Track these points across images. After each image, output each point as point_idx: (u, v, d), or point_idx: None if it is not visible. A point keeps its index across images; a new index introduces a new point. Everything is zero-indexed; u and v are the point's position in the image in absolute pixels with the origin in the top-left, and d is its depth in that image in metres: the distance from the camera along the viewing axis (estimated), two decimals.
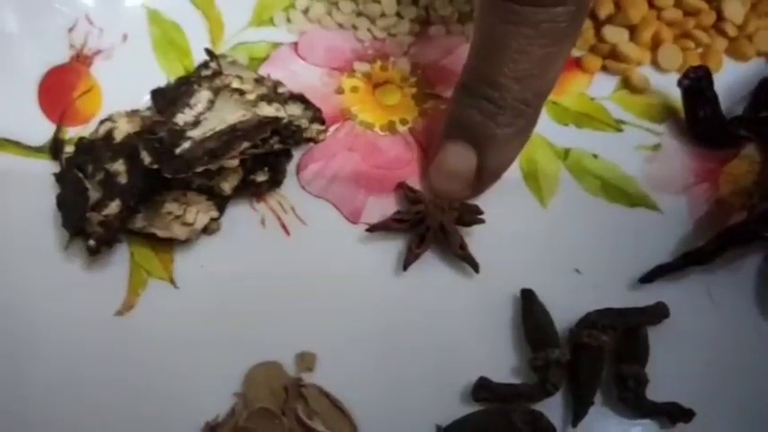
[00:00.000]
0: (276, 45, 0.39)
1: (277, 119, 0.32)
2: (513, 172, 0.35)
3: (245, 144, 0.31)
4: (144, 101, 0.36)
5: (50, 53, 0.37)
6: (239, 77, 0.33)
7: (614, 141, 0.37)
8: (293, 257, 0.33)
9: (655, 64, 0.39)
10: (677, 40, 0.40)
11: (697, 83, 0.36)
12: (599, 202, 0.35)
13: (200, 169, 0.30)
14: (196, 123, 0.32)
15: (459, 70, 0.36)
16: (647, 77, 0.38)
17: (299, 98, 0.35)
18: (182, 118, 0.32)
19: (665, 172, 0.36)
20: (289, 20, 0.40)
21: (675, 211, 0.35)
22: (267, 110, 0.32)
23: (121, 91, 0.37)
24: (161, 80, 0.37)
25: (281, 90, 0.35)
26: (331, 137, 0.37)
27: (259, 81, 0.35)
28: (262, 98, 0.32)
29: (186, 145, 0.31)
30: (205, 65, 0.34)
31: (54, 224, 0.33)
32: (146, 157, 0.30)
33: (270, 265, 0.33)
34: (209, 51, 0.35)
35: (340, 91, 0.38)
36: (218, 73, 0.34)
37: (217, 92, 0.33)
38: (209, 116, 0.32)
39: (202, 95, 0.33)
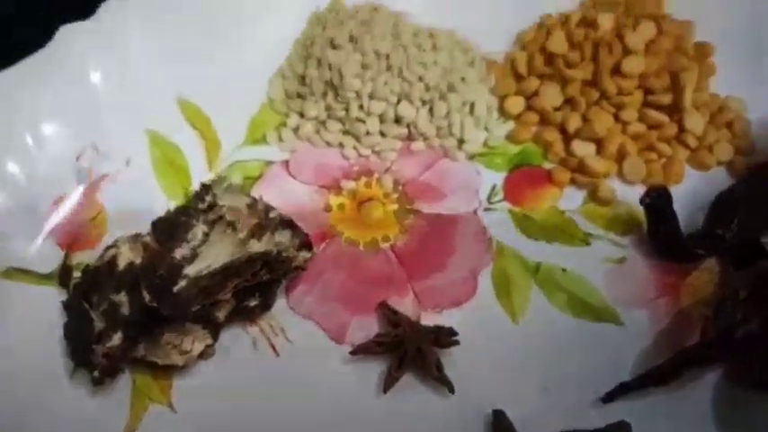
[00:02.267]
0: (269, 163, 0.41)
1: (266, 253, 0.34)
2: (487, 287, 0.37)
3: (237, 280, 0.33)
4: (146, 221, 0.37)
5: (60, 181, 0.38)
6: (233, 209, 0.35)
7: (582, 254, 0.38)
8: (283, 378, 0.34)
9: (620, 176, 0.40)
10: (641, 152, 0.41)
11: (657, 201, 0.37)
12: (566, 318, 0.36)
13: (195, 308, 0.32)
14: (193, 257, 0.33)
15: (438, 184, 0.38)
16: (613, 189, 0.39)
17: (288, 224, 0.36)
18: (179, 252, 0.34)
19: (630, 285, 0.37)
20: (280, 138, 0.42)
21: (638, 325, 0.35)
22: (257, 246, 0.33)
23: (126, 213, 0.38)
24: (162, 201, 0.39)
25: (271, 215, 0.37)
26: (319, 255, 0.38)
27: (251, 207, 0.36)
28: (252, 233, 0.34)
29: (183, 283, 0.32)
30: (201, 197, 0.35)
31: (61, 352, 0.34)
32: (146, 296, 0.32)
33: (261, 385, 0.34)
34: (204, 186, 0.36)
35: (328, 208, 0.40)
36: (212, 205, 0.35)
37: (212, 225, 0.35)
38: (205, 250, 0.34)
39: (198, 230, 0.34)
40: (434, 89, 0.41)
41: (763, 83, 0.42)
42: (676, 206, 0.38)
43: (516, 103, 0.42)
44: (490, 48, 0.44)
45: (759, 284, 0.33)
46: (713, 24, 0.44)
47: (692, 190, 0.40)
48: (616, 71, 0.41)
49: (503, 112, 0.42)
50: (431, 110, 0.41)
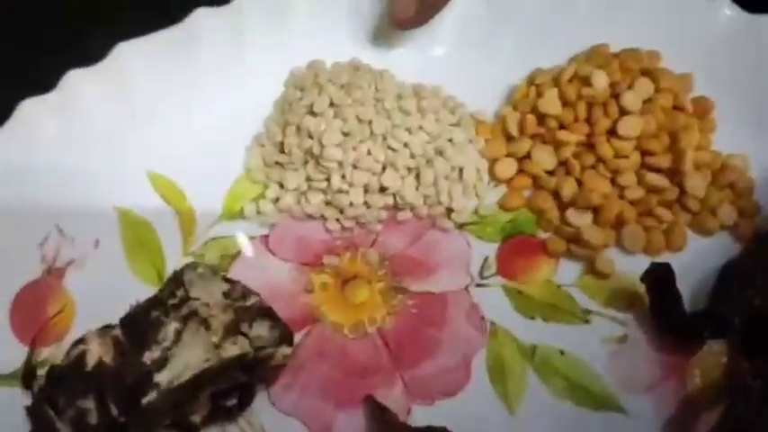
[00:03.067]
0: (247, 239, 0.39)
1: (242, 356, 0.31)
2: (481, 374, 0.35)
3: (211, 388, 0.30)
4: (117, 309, 0.34)
5: (21, 271, 0.36)
6: (206, 305, 0.33)
7: (581, 334, 0.35)
8: None
9: (619, 245, 0.38)
10: (641, 218, 0.38)
11: (659, 277, 0.35)
12: (566, 406, 0.33)
13: (166, 422, 0.29)
14: (163, 361, 0.31)
15: (426, 258, 0.36)
16: (611, 261, 0.37)
17: (267, 313, 0.34)
18: (149, 356, 0.31)
19: (632, 367, 0.34)
20: (259, 211, 0.39)
21: (643, 413, 0.33)
22: (232, 350, 0.31)
23: (94, 303, 0.35)
24: (133, 287, 0.36)
25: (249, 302, 0.34)
26: (300, 343, 0.35)
27: (227, 295, 0.34)
28: (227, 332, 0.31)
29: (153, 395, 0.30)
30: (172, 290, 0.33)
31: None
32: (113, 409, 0.29)
33: None
34: (176, 275, 0.34)
35: (310, 289, 0.37)
36: (185, 300, 0.33)
37: (184, 321, 0.32)
38: (176, 352, 0.31)
39: (170, 328, 0.32)
40: (420, 155, 0.39)
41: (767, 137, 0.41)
42: (679, 276, 0.35)
43: (507, 167, 0.40)
44: (478, 105, 0.41)
45: None
46: (712, 76, 0.41)
47: (696, 258, 0.37)
48: (612, 132, 0.39)
49: (493, 175, 0.40)
50: (417, 177, 0.38)
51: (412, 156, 0.38)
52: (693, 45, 0.41)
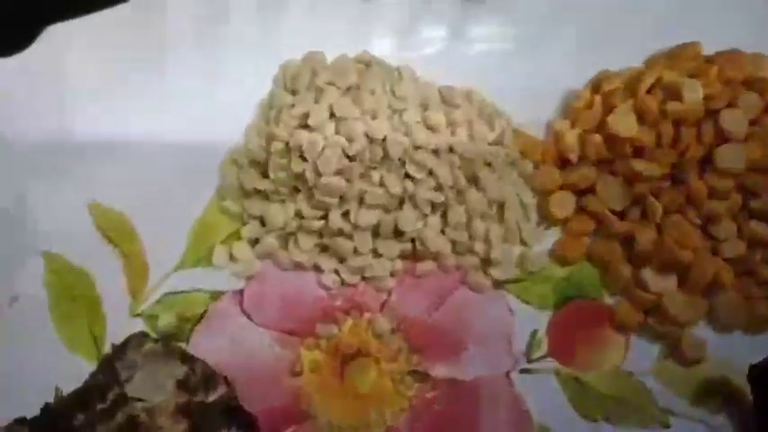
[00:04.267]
0: (215, 295, 0.28)
1: None
2: None
3: None
4: (37, 396, 0.25)
5: None
6: (150, 410, 0.24)
7: None
8: None
9: (712, 319, 0.28)
10: (740, 282, 0.28)
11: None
12: None
13: None
14: None
15: (454, 329, 0.27)
16: (702, 342, 0.27)
17: (236, 415, 0.25)
18: None
19: None
20: (232, 256, 0.29)
21: None
22: None
23: (6, 382, 0.26)
24: (61, 361, 0.26)
25: (212, 397, 0.25)
26: None
27: (183, 385, 0.25)
28: None
29: None
30: (105, 387, 0.24)
31: None
32: None
33: None
34: (110, 361, 0.25)
35: (297, 371, 0.27)
36: (121, 402, 0.24)
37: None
38: None
39: None
40: (450, 187, 0.29)
41: None
42: None
43: (563, 203, 0.30)
44: (525, 116, 0.31)
45: None
46: None
47: None
48: (706, 163, 0.29)
49: (544, 214, 0.30)
50: (444, 215, 0.29)
51: (438, 187, 0.29)
52: None
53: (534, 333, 0.28)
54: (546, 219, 0.30)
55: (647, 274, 0.28)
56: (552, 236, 0.30)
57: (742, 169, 0.28)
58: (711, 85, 0.30)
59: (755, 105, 0.29)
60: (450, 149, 0.29)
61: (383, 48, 0.32)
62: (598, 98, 0.31)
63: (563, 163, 0.31)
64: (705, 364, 0.27)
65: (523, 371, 0.27)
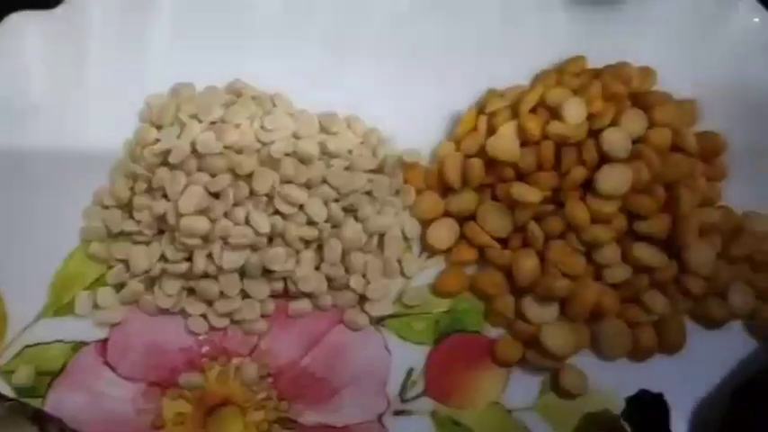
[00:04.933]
0: (77, 347, 0.27)
1: None
2: None
3: None
4: None
5: None
6: None
7: None
8: None
9: (595, 349, 0.27)
10: (625, 309, 0.27)
11: (647, 411, 0.26)
12: None
13: None
14: None
15: (328, 372, 0.25)
16: (582, 375, 0.26)
17: None
18: None
19: None
20: (96, 304, 0.27)
21: None
22: None
23: None
24: None
25: None
26: None
27: None
28: None
29: None
30: None
31: None
32: None
33: None
34: None
35: (159, 423, 0.26)
36: None
37: None
38: None
39: None
40: (323, 221, 0.27)
41: None
42: (677, 389, 0.26)
43: (444, 232, 0.28)
44: (412, 142, 0.30)
45: None
46: (724, 103, 0.30)
47: (699, 362, 0.27)
48: (589, 187, 0.28)
49: (425, 245, 0.29)
50: (319, 248, 0.28)
51: (310, 222, 0.28)
52: (700, 61, 0.30)
53: (410, 371, 0.27)
54: (428, 249, 0.29)
55: (528, 304, 0.27)
56: (436, 267, 0.29)
57: (624, 192, 0.28)
58: (595, 102, 0.29)
59: (639, 123, 0.28)
60: (324, 181, 0.29)
61: (261, 75, 0.30)
62: (483, 119, 0.30)
63: (446, 190, 0.30)
64: (588, 396, 0.26)
65: (398, 413, 0.26)
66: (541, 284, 0.27)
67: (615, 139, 0.28)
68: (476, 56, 0.31)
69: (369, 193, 0.29)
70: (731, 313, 0.28)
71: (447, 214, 0.29)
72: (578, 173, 0.28)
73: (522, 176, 0.28)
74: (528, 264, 0.27)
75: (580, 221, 0.27)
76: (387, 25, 0.32)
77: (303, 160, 0.28)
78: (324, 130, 0.30)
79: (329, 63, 0.31)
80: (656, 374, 0.27)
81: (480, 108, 0.30)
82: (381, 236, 0.28)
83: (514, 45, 0.31)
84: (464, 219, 0.29)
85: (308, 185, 0.28)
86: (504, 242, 0.29)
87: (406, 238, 0.29)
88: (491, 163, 0.29)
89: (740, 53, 0.30)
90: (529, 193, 0.28)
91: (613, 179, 0.27)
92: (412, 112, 0.31)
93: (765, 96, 0.30)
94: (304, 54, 0.31)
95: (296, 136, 0.29)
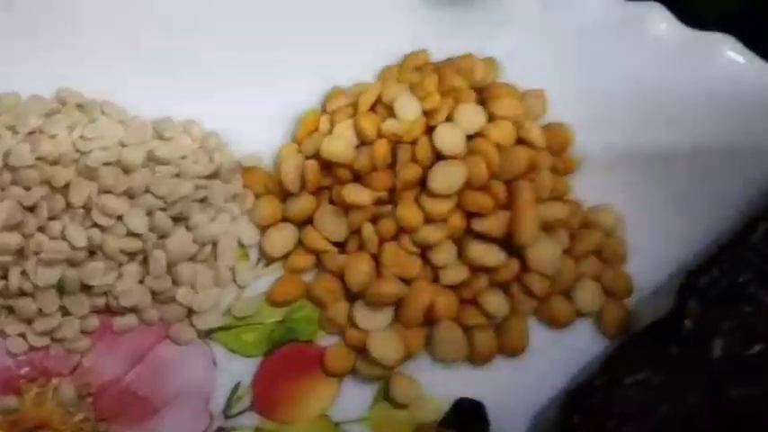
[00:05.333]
0: None
1: None
2: None
3: None
4: None
5: None
6: None
7: None
8: None
9: (431, 353, 0.26)
10: (463, 313, 0.26)
11: (468, 419, 0.25)
12: None
13: None
14: None
15: (151, 390, 0.24)
16: (413, 383, 0.25)
17: None
18: None
19: None
20: None
21: None
22: None
23: None
24: None
25: None
26: None
27: None
28: None
29: None
30: None
31: None
32: None
33: None
34: None
35: None
36: None
37: None
38: None
39: None
40: (148, 231, 0.26)
41: (643, 180, 0.29)
42: (518, 400, 0.25)
43: (281, 238, 0.27)
44: (255, 145, 0.29)
45: None
46: (572, 93, 0.29)
47: (544, 364, 0.26)
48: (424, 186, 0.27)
49: (262, 252, 0.28)
50: (144, 261, 0.27)
51: (133, 233, 0.27)
52: (547, 49, 0.29)
53: (236, 385, 0.25)
54: (265, 257, 0.28)
55: (358, 310, 0.26)
56: (274, 275, 0.27)
57: (457, 190, 0.26)
58: (431, 98, 0.27)
59: (476, 117, 0.27)
60: (148, 190, 0.28)
61: (94, 82, 0.29)
62: (326, 118, 0.29)
63: (285, 194, 0.28)
64: (424, 405, 0.25)
65: (220, 429, 0.25)
66: (370, 289, 0.26)
67: (448, 136, 0.26)
68: (324, 54, 0.30)
69: (204, 200, 0.28)
70: (578, 312, 0.27)
71: (286, 219, 0.28)
72: (411, 172, 0.26)
73: (359, 178, 0.28)
74: (359, 268, 0.26)
75: (410, 222, 0.26)
76: (233, 25, 0.31)
77: (125, 169, 0.27)
78: (157, 136, 0.29)
79: (167, 67, 0.29)
80: (499, 379, 0.26)
81: (323, 107, 0.29)
82: (214, 245, 0.28)
83: (365, 42, 0.30)
84: (303, 224, 0.28)
85: (130, 195, 0.27)
86: (342, 247, 0.28)
87: (243, 248, 0.28)
88: (326, 165, 0.28)
89: (590, 43, 0.29)
90: (359, 195, 0.26)
91: (446, 177, 0.26)
92: (257, 114, 0.29)
93: (615, 87, 0.29)
94: (141, 58, 0.30)
95: (122, 144, 0.28)
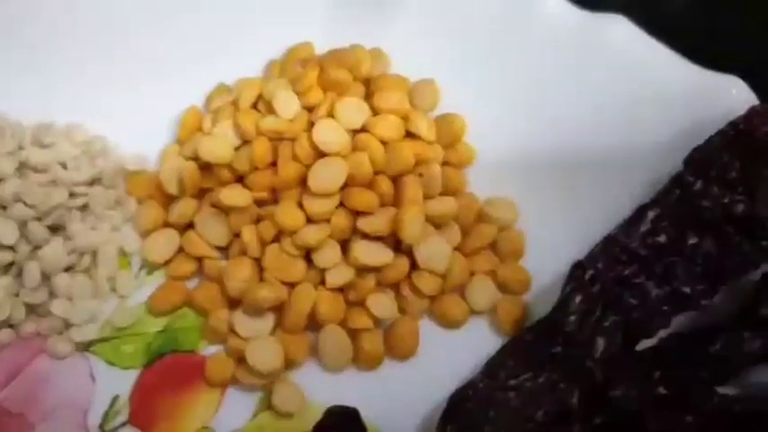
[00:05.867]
0: None
1: None
2: None
3: None
4: None
5: None
6: None
7: None
8: None
9: (315, 356, 0.25)
10: (351, 315, 0.25)
11: (336, 427, 0.24)
12: None
13: None
14: None
15: (25, 407, 0.23)
16: (296, 392, 0.24)
17: None
18: None
19: None
20: None
21: None
22: None
23: None
24: None
25: None
26: None
27: None
28: None
29: None
30: None
31: None
32: None
33: None
34: None
35: None
36: None
37: None
38: None
39: None
40: (21, 240, 0.25)
41: (539, 172, 0.27)
42: (410, 404, 0.24)
43: (163, 243, 0.26)
44: (139, 148, 0.28)
45: None
46: (465, 83, 0.28)
47: (438, 366, 0.24)
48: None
49: (143, 259, 0.27)
50: (20, 275, 0.25)
51: (1, 245, 0.26)
52: (441, 40, 0.28)
53: (115, 400, 0.24)
54: (148, 264, 0.27)
55: (238, 318, 0.25)
56: (156, 283, 0.26)
57: (338, 189, 0.25)
58: (313, 92, 0.27)
59: (358, 112, 0.26)
60: (19, 199, 0.26)
61: None
62: (209, 117, 0.28)
63: (168, 198, 0.27)
64: (310, 413, 0.24)
65: None
66: (247, 295, 0.25)
67: (328, 132, 0.25)
68: (211, 50, 0.29)
69: (85, 208, 0.27)
70: (471, 311, 0.26)
71: (167, 225, 0.27)
72: (290, 170, 0.25)
73: (242, 179, 0.27)
74: (238, 274, 0.25)
75: (290, 224, 0.25)
76: (122, 27, 0.30)
77: None
78: (36, 142, 0.28)
79: (51, 70, 0.28)
80: (389, 383, 0.25)
81: (207, 105, 0.28)
82: (94, 254, 0.26)
83: (252, 36, 0.29)
84: (186, 229, 0.27)
85: (1, 204, 0.26)
86: (225, 252, 0.27)
87: (125, 256, 0.27)
88: (206, 166, 0.26)
89: (485, 35, 0.28)
90: (237, 197, 0.25)
91: (326, 175, 0.25)
92: (145, 114, 0.28)
93: (512, 78, 0.27)
94: (23, 62, 0.29)
95: None
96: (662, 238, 0.23)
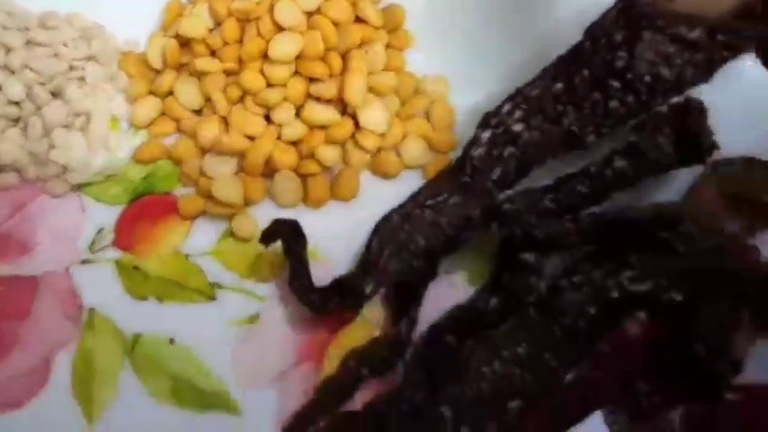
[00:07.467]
0: None
1: None
2: (63, 377, 0.27)
3: None
4: None
5: None
6: None
7: (202, 316, 0.27)
8: None
9: (272, 197, 0.30)
10: (303, 164, 0.30)
11: (279, 235, 0.28)
12: (165, 411, 0.25)
13: None
14: None
15: (26, 234, 0.28)
16: (251, 220, 0.29)
17: None
18: None
19: (259, 355, 0.27)
20: None
21: (260, 413, 0.26)
22: None
23: None
24: None
25: None
26: None
27: None
28: None
29: None
30: None
31: None
32: None
33: None
34: None
35: None
36: None
37: None
38: None
39: None
40: (26, 100, 0.31)
41: (471, 53, 0.32)
42: (350, 232, 0.30)
43: (147, 108, 0.31)
44: (130, 32, 0.33)
45: None
46: None
47: (373, 208, 0.29)
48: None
49: (131, 121, 0.32)
50: (25, 128, 0.31)
51: (13, 102, 0.31)
52: None
53: (101, 229, 0.29)
54: (135, 125, 0.31)
55: (208, 162, 0.30)
56: (141, 139, 0.31)
57: (293, 58, 0.30)
58: None
59: None
60: (27, 66, 0.31)
61: None
62: (189, 5, 0.33)
63: (151, 71, 0.32)
64: (256, 242, 0.29)
65: (84, 262, 0.28)
66: (218, 142, 0.30)
67: (286, 11, 0.30)
68: None
69: (82, 80, 0.32)
70: (405, 165, 0.31)
71: (151, 94, 0.32)
72: (255, 44, 0.30)
73: (214, 53, 0.32)
74: (209, 127, 0.30)
75: (253, 85, 0.30)
76: None
77: (6, 48, 0.31)
78: (41, 25, 0.33)
79: None
80: (332, 220, 0.30)
81: None
82: (88, 116, 0.31)
83: None
84: (166, 97, 0.32)
85: (10, 69, 0.31)
86: (199, 114, 0.32)
87: (115, 119, 0.32)
88: (186, 43, 0.32)
89: None
90: (209, 63, 0.31)
91: (283, 46, 0.30)
92: (135, 6, 0.33)
93: None
94: None
95: (4, 27, 0.32)
96: (558, 88, 0.28)
